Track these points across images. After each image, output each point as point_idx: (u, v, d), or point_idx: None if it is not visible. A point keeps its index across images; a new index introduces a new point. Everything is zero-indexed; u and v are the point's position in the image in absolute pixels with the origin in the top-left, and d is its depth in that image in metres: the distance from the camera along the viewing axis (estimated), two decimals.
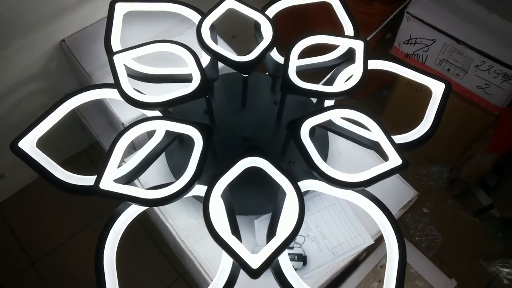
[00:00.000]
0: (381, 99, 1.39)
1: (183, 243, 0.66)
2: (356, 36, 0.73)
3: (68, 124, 1.14)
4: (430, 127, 0.65)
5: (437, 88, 0.69)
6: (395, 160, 0.58)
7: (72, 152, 1.22)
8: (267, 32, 0.71)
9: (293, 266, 0.62)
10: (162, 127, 0.62)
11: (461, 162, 1.14)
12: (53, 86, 0.97)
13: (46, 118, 0.64)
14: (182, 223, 0.67)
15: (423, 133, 0.65)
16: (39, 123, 0.63)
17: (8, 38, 0.83)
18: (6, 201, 1.18)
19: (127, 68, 0.67)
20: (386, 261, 0.71)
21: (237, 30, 1.37)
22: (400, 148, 0.60)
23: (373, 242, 0.66)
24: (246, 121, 0.77)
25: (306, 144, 0.59)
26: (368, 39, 1.08)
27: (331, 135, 0.78)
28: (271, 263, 0.51)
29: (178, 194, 0.55)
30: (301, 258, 0.63)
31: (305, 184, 0.60)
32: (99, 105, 0.95)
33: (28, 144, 0.61)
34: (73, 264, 1.10)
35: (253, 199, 0.69)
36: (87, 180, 0.59)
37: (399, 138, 0.64)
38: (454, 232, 1.16)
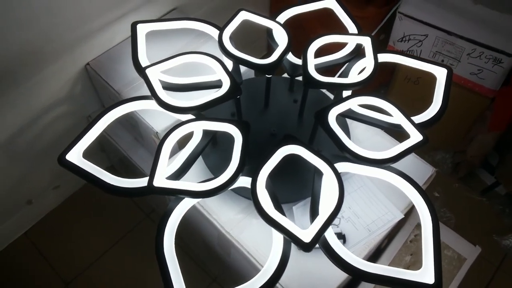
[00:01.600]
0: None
1: (229, 234, 0.70)
2: (361, 33, 0.80)
3: (89, 148, 1.19)
4: (440, 107, 0.72)
5: (440, 73, 0.76)
6: (416, 136, 0.65)
7: None
8: (282, 37, 0.77)
9: None
10: (202, 127, 0.67)
11: (464, 146, 1.21)
12: (77, 109, 1.02)
13: (90, 131, 0.68)
14: (224, 218, 0.72)
15: (435, 112, 0.71)
16: (83, 136, 0.68)
17: (36, 66, 0.88)
18: (34, 227, 1.21)
19: (160, 80, 0.73)
20: (414, 236, 0.77)
21: (248, 40, 1.46)
22: (420, 127, 0.66)
23: (403, 216, 0.72)
24: (270, 119, 0.83)
25: (335, 129, 0.65)
26: None
27: (349, 126, 0.84)
28: (321, 236, 0.56)
29: (226, 185, 0.60)
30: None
31: (340, 166, 0.65)
32: (124, 122, 1.00)
33: (76, 155, 0.65)
34: (106, 281, 1.13)
35: (288, 187, 0.74)
36: (138, 183, 0.63)
37: (415, 119, 0.70)
38: (465, 212, 1.22)
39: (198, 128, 0.67)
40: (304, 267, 0.68)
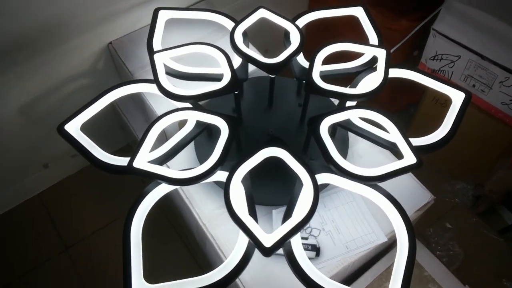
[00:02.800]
0: (408, 115, 1.41)
1: (204, 227, 0.70)
2: (380, 45, 0.77)
3: (110, 124, 1.24)
4: (448, 133, 0.68)
5: (457, 97, 0.72)
6: (409, 158, 0.61)
7: (112, 150, 1.32)
8: (295, 38, 0.76)
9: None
10: (192, 117, 0.67)
11: (486, 179, 1.13)
12: (98, 84, 1.06)
13: (90, 107, 0.71)
14: (205, 209, 0.72)
15: (440, 138, 0.67)
16: (83, 110, 0.70)
17: (60, 38, 0.93)
18: (48, 190, 1.28)
19: (166, 66, 0.74)
20: None
21: (270, 45, 1.44)
22: (415, 149, 0.63)
23: (386, 239, 0.68)
24: (271, 119, 0.82)
25: (324, 139, 0.63)
26: (391, 51, 1.11)
27: (352, 139, 0.82)
28: (283, 243, 0.54)
29: (202, 176, 0.60)
30: (315, 249, 0.66)
31: (322, 177, 0.64)
32: (138, 103, 1.03)
33: (73, 127, 0.68)
34: (103, 251, 1.17)
35: (273, 191, 0.73)
36: (124, 161, 0.65)
37: (417, 141, 0.66)
38: (477, 250, 1.14)
39: (188, 117, 0.68)
40: (271, 272, 0.66)
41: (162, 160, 0.66)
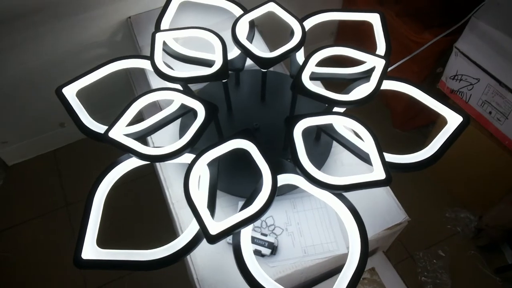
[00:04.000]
0: (426, 133, 1.35)
1: (172, 205, 0.72)
2: (380, 55, 0.74)
3: (124, 95, 1.29)
4: (432, 154, 0.65)
5: (453, 120, 0.69)
6: (378, 173, 0.59)
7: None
8: (296, 37, 0.75)
9: (261, 251, 0.66)
10: (174, 98, 0.69)
11: (486, 211, 1.07)
12: (114, 55, 1.10)
13: (90, 75, 0.74)
14: (177, 189, 0.74)
15: (421, 158, 0.65)
16: (82, 77, 0.74)
17: (79, 6, 0.97)
18: (62, 149, 1.36)
19: (166, 46, 0.76)
20: (362, 279, 0.72)
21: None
22: (388, 164, 0.61)
23: (346, 252, 0.67)
24: (260, 114, 0.82)
25: (296, 140, 0.62)
26: (398, 64, 1.07)
27: (339, 147, 0.80)
28: (229, 234, 0.55)
29: (170, 155, 0.61)
30: (271, 247, 0.66)
31: (288, 177, 0.63)
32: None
33: (70, 91, 0.72)
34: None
35: (244, 183, 0.74)
36: (102, 129, 0.67)
37: (396, 158, 0.64)
38: (467, 284, 1.08)
39: (170, 97, 0.69)
40: (225, 261, 0.67)
41: (140, 136, 0.68)
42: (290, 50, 0.73)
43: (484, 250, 1.14)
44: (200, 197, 0.59)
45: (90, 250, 0.57)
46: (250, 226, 0.60)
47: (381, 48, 0.78)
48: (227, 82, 0.75)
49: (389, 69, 1.05)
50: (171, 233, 0.70)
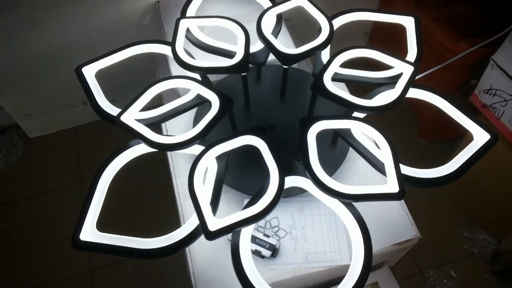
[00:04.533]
0: (453, 147, 1.29)
1: (178, 195, 0.71)
2: (410, 62, 0.71)
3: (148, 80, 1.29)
4: (452, 172, 0.61)
5: (480, 137, 0.65)
6: (392, 186, 0.56)
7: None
8: (323, 35, 0.72)
9: (261, 252, 0.65)
10: (190, 87, 0.67)
11: (504, 235, 1.01)
12: (140, 39, 1.10)
13: (110, 56, 0.74)
14: (185, 179, 0.73)
15: (440, 175, 0.61)
16: (103, 58, 0.73)
17: None
18: (83, 126, 1.38)
19: (190, 34, 0.74)
20: None
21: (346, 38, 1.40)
22: (403, 178, 0.58)
23: (350, 263, 0.64)
24: (279, 111, 0.79)
25: (309, 142, 0.60)
26: (430, 71, 1.02)
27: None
28: (229, 232, 0.53)
29: (179, 145, 0.60)
30: (272, 249, 0.64)
31: (297, 180, 0.61)
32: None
33: (89, 71, 0.72)
34: (110, 196, 1.24)
35: (253, 180, 0.72)
36: (115, 112, 0.67)
37: (413, 171, 0.61)
38: None
39: (186, 86, 0.68)
40: (224, 257, 0.66)
41: (153, 122, 0.67)
42: (314, 48, 0.70)
43: (499, 276, 1.08)
44: (204, 191, 0.58)
45: (89, 232, 0.57)
46: (252, 226, 0.58)
47: (412, 54, 0.74)
48: (246, 76, 0.73)
49: (419, 76, 1.00)
50: (174, 223, 0.70)
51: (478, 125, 0.66)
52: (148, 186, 1.25)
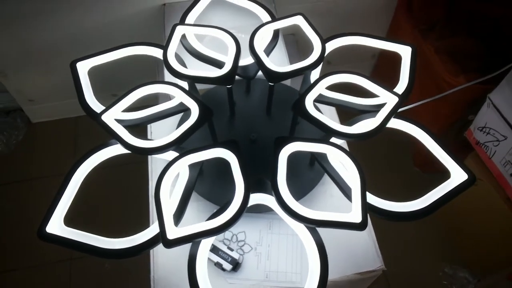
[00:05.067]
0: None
1: (151, 198, 0.72)
2: (395, 93, 0.70)
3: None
4: (422, 209, 0.61)
5: (457, 176, 0.64)
6: (355, 216, 0.56)
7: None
8: (313, 56, 0.72)
9: (222, 265, 0.65)
10: (174, 94, 0.68)
11: (480, 279, 0.99)
12: (142, 40, 1.13)
13: (104, 54, 0.75)
14: None
15: (409, 210, 0.61)
16: (98, 55, 0.75)
17: None
18: (84, 117, 1.39)
19: (185, 40, 0.76)
20: None
21: (333, 57, 1.40)
22: (368, 208, 0.58)
23: None
24: (262, 126, 0.80)
25: (280, 162, 0.60)
26: (419, 103, 1.01)
27: None
28: (187, 242, 0.54)
29: (153, 150, 0.61)
30: (233, 263, 0.64)
31: (263, 197, 0.62)
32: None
33: (83, 67, 0.74)
34: (102, 189, 1.26)
35: (225, 192, 0.72)
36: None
37: (381, 203, 0.61)
38: None
39: (169, 91, 0.69)
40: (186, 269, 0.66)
41: (134, 124, 0.68)
42: (302, 68, 0.70)
43: None
44: (172, 197, 0.59)
45: (56, 226, 0.58)
46: (212, 238, 0.59)
47: (402, 84, 0.74)
48: (232, 88, 0.73)
49: (410, 106, 0.99)
50: (146, 225, 0.70)
51: (457, 163, 0.65)
52: (128, 185, 1.25)
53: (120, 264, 1.13)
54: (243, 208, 0.56)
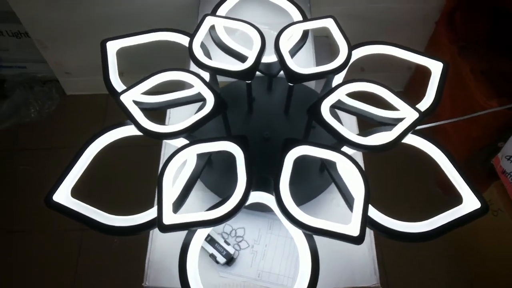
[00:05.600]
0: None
1: None
2: (416, 109, 0.67)
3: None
4: (429, 231, 0.59)
5: (469, 203, 0.61)
6: (353, 229, 0.55)
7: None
8: (338, 60, 0.71)
9: (216, 257, 0.65)
10: (193, 82, 0.69)
11: None
12: (178, 26, 1.14)
13: (134, 37, 0.77)
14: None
15: (412, 231, 0.59)
16: (127, 37, 0.77)
17: None
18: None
19: (213, 32, 0.76)
20: None
21: (368, 65, 1.36)
22: (368, 222, 0.56)
23: None
24: (278, 125, 0.80)
25: (285, 164, 0.60)
26: (442, 123, 0.96)
27: None
28: (182, 229, 0.55)
29: (164, 135, 0.62)
30: (228, 257, 0.65)
31: (263, 196, 0.61)
32: None
33: (113, 46, 0.76)
34: (118, 167, 1.30)
35: (231, 186, 0.73)
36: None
37: (383, 219, 0.59)
38: None
39: (188, 80, 0.69)
40: None
41: (150, 108, 0.69)
42: (323, 72, 0.70)
43: None
44: (174, 185, 0.59)
45: (63, 195, 0.60)
46: (208, 229, 0.59)
47: (427, 101, 0.71)
48: (251, 84, 0.73)
49: (435, 124, 0.95)
50: (150, 208, 0.72)
51: (471, 189, 0.62)
52: (140, 167, 1.28)
53: (128, 242, 1.17)
54: (242, 204, 0.56)
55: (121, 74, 1.35)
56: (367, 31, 1.26)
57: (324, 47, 1.22)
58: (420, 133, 0.68)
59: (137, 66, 1.16)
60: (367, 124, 0.69)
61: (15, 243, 1.25)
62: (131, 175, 1.31)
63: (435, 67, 0.75)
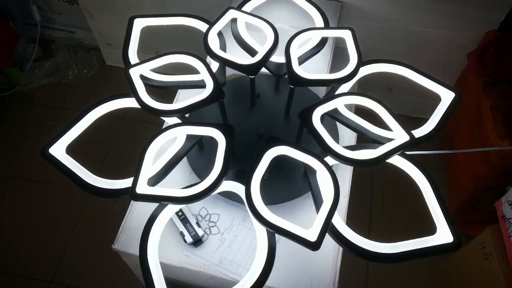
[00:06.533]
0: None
1: None
2: (410, 134, 0.66)
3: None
4: (390, 254, 0.58)
5: (442, 237, 0.60)
6: (312, 233, 0.56)
7: None
8: (345, 71, 0.71)
9: (184, 236, 0.68)
10: (199, 68, 0.72)
11: None
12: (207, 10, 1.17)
13: (160, 18, 0.80)
14: None
15: (372, 249, 0.58)
16: (154, 17, 0.80)
17: None
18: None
19: (234, 25, 0.79)
20: None
21: (396, 86, 1.34)
22: (327, 229, 0.56)
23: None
24: (276, 125, 0.81)
25: (263, 159, 0.62)
26: (442, 152, 0.93)
27: None
28: (151, 201, 0.58)
29: (160, 112, 0.66)
30: (195, 238, 0.67)
31: (237, 187, 0.64)
32: None
33: (139, 24, 0.80)
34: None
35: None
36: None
37: (349, 233, 0.59)
38: None
39: (197, 66, 0.72)
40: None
41: (154, 85, 0.72)
42: (325, 80, 0.71)
43: None
44: (159, 160, 0.62)
45: (58, 150, 0.65)
46: (177, 207, 0.62)
47: (429, 126, 0.70)
48: (255, 79, 0.75)
49: (428, 152, 0.91)
50: None
51: (447, 222, 0.61)
52: (139, 140, 1.31)
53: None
54: (212, 188, 0.59)
55: (156, 53, 1.42)
56: (398, 51, 1.24)
57: (346, 60, 1.21)
58: (409, 157, 0.67)
59: (174, 48, 1.21)
60: (366, 141, 0.69)
61: (34, 191, 1.34)
62: (128, 146, 1.36)
63: (446, 96, 0.73)
